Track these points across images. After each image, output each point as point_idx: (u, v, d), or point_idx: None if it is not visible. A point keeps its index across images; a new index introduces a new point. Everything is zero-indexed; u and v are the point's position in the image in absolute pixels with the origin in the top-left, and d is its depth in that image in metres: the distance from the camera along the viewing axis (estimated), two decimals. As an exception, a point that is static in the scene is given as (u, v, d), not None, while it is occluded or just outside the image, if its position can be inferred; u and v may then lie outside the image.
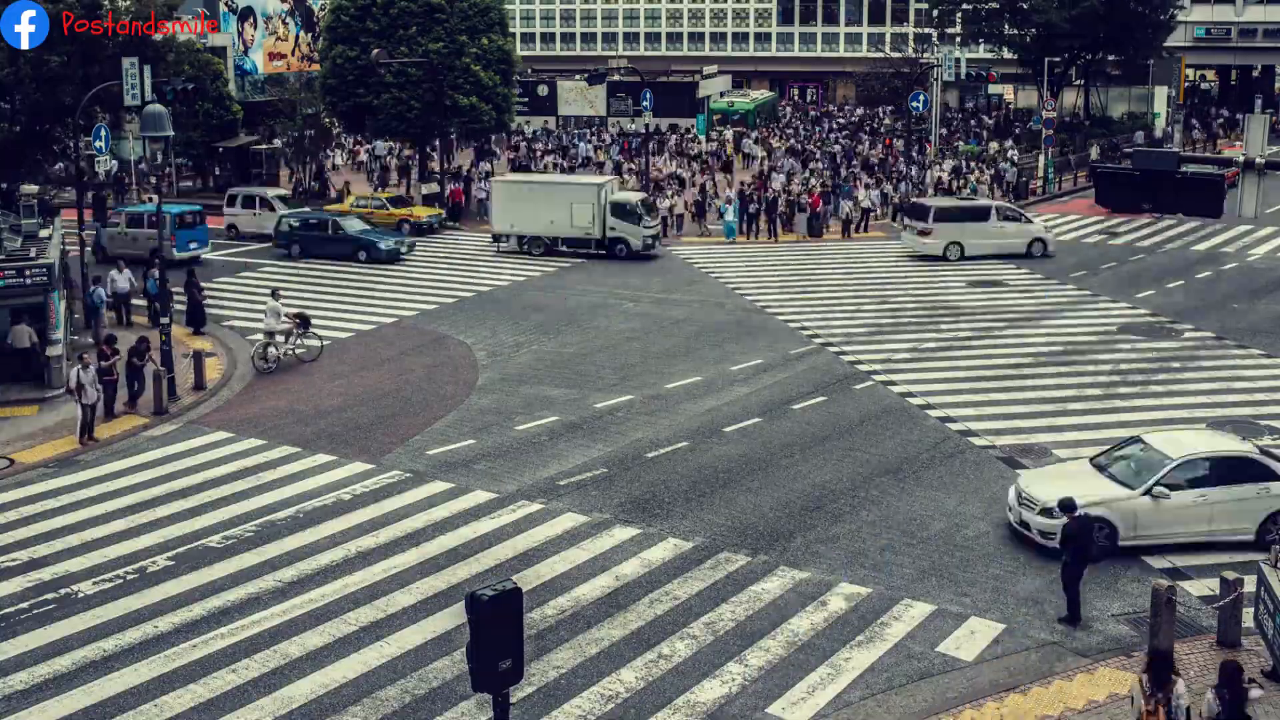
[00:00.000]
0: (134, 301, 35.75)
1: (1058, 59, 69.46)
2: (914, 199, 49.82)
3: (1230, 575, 16.23)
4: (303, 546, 19.92)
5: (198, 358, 29.25)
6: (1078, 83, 76.54)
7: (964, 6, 74.61)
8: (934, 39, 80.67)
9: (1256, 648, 15.96)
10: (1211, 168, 52.61)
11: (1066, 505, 17.50)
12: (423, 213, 50.21)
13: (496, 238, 45.41)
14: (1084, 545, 17.21)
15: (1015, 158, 61.32)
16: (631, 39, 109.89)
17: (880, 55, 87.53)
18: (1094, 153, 64.28)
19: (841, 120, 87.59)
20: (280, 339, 30.89)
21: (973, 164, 61.12)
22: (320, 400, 27.85)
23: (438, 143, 56.20)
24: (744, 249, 45.91)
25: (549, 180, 51.90)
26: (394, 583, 18.58)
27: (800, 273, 41.31)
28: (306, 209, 48.65)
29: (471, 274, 41.41)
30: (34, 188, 36.92)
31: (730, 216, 48.00)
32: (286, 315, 31.36)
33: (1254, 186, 22.19)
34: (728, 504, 21.35)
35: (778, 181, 55.79)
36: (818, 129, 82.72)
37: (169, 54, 41.27)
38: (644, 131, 58.78)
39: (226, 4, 64.53)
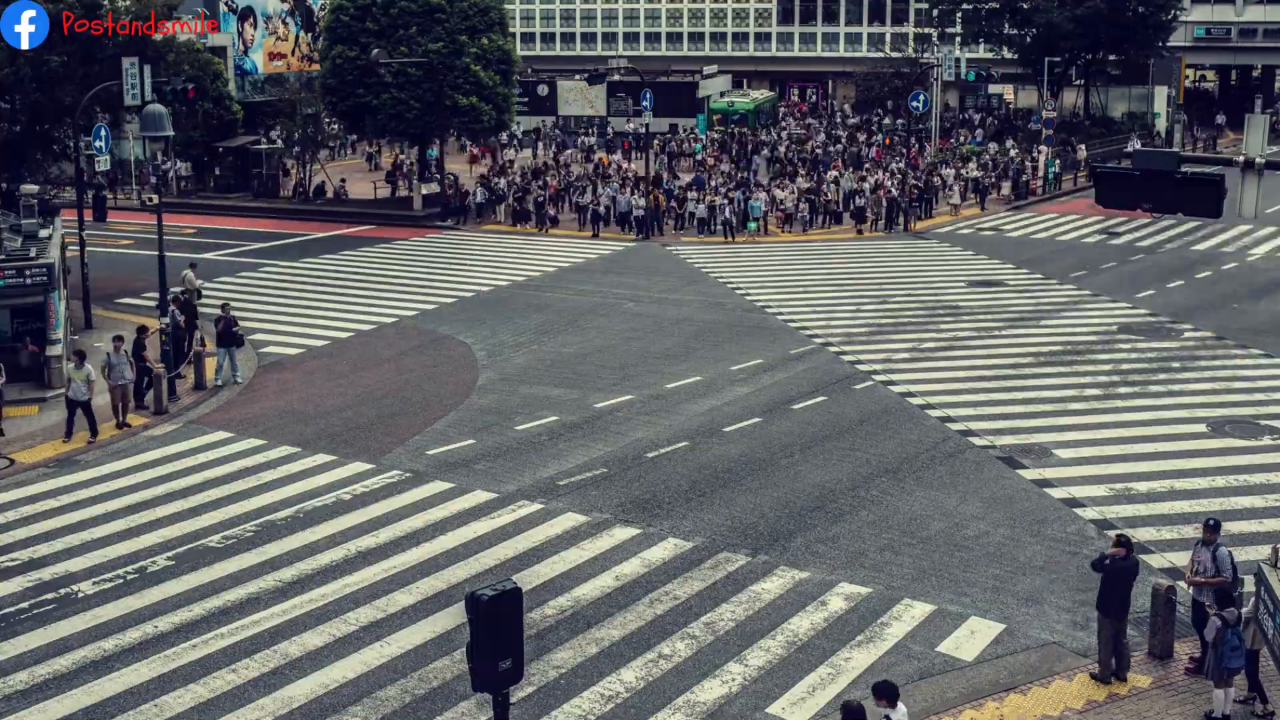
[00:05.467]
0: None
1: (1058, 59, 69.43)
2: None
3: (1230, 575, 16.21)
4: (303, 546, 19.93)
5: (198, 358, 29.26)
6: (1078, 83, 76.49)
7: (964, 6, 74.55)
8: (934, 39, 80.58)
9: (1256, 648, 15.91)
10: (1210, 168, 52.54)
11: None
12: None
13: None
14: None
15: (1016, 156, 61.22)
16: (631, 39, 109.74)
17: (880, 55, 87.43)
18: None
19: (842, 120, 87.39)
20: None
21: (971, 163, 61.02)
22: (320, 400, 27.84)
23: (436, 141, 56.11)
24: (744, 249, 45.88)
25: None
26: (394, 583, 18.58)
27: (800, 272, 41.30)
28: None
29: (471, 274, 41.39)
30: (34, 187, 36.83)
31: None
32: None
33: (1254, 186, 22.14)
34: (728, 504, 21.35)
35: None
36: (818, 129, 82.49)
37: (169, 54, 41.21)
38: (643, 131, 58.27)
39: (226, 4, 64.39)
